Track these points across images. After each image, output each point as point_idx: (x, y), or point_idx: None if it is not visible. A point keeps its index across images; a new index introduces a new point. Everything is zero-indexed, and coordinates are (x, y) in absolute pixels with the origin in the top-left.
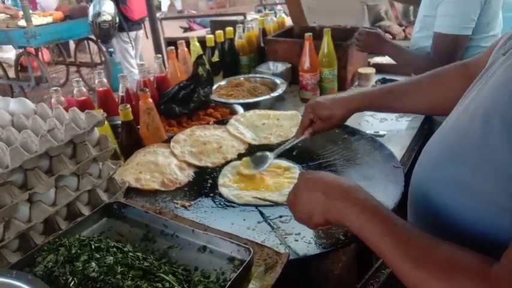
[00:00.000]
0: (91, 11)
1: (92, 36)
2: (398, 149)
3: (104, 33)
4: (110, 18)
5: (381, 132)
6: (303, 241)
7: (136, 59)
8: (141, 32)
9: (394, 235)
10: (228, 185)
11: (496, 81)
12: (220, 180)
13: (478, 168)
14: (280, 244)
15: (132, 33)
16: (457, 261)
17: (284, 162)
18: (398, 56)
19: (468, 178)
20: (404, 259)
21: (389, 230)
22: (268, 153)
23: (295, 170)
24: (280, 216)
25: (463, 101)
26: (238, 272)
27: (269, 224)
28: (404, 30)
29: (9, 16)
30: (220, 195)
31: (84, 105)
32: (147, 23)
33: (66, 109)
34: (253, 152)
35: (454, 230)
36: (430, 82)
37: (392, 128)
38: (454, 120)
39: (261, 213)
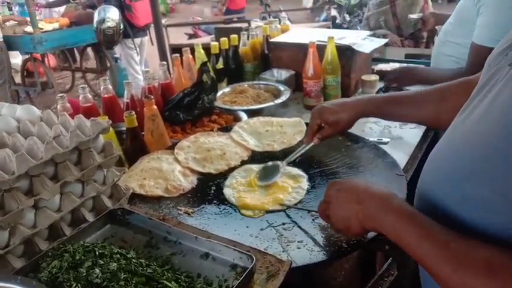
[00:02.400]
0: (96, 17)
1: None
2: (401, 157)
3: (109, 40)
4: (114, 24)
5: (384, 140)
6: (305, 249)
7: (141, 65)
8: (146, 39)
9: (431, 240)
10: (234, 186)
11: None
12: (227, 182)
13: (506, 185)
14: (283, 252)
15: (137, 40)
16: (498, 261)
17: (294, 170)
18: (429, 79)
19: (493, 196)
20: (444, 263)
21: (427, 235)
22: (279, 162)
23: (303, 179)
24: (283, 224)
25: (469, 110)
26: (241, 279)
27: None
28: (402, 42)
29: (16, 22)
30: (224, 201)
31: (89, 112)
32: (152, 29)
33: (72, 115)
34: (257, 159)
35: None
36: (438, 95)
37: (395, 136)
38: (464, 135)
39: (287, 213)
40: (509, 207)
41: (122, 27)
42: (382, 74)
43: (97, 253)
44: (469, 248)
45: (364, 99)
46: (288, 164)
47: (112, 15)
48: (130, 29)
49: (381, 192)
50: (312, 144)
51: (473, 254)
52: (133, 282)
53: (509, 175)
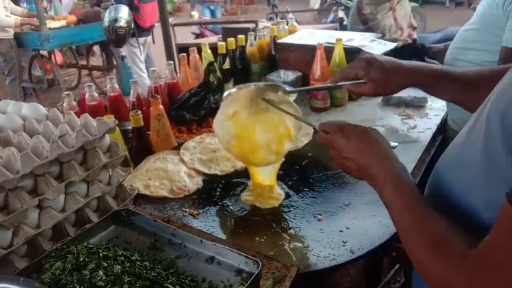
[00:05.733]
0: (107, 16)
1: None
2: (409, 161)
3: (120, 39)
4: (126, 24)
5: (392, 144)
6: (311, 254)
7: (143, 63)
8: (149, 38)
9: (411, 214)
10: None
11: (501, 85)
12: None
13: (480, 173)
14: (289, 257)
15: (141, 39)
16: (446, 240)
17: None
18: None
19: (470, 182)
20: (413, 235)
21: (409, 208)
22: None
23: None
24: (290, 228)
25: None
26: (246, 285)
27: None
28: None
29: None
30: (228, 204)
31: (96, 110)
32: (155, 30)
33: (79, 113)
34: None
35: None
36: (488, 80)
37: (403, 140)
38: (470, 125)
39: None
40: (487, 201)
41: (132, 26)
42: None
43: (101, 255)
44: (435, 224)
45: (421, 67)
46: (294, 166)
47: (124, 14)
48: (136, 29)
49: (381, 150)
50: (336, 85)
51: (432, 229)
52: (137, 285)
53: (484, 164)
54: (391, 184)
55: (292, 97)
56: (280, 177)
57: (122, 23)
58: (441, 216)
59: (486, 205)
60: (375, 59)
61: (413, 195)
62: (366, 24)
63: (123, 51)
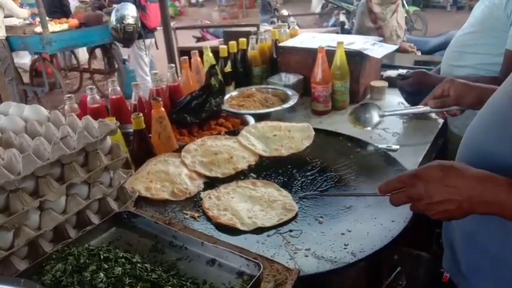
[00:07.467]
0: (113, 16)
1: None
2: (411, 164)
3: (128, 37)
4: (133, 21)
5: (394, 147)
6: (313, 257)
7: (148, 66)
8: (153, 40)
9: None
10: None
11: None
12: None
13: None
14: (290, 259)
15: (147, 41)
16: None
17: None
18: None
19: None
20: None
21: None
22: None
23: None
24: (291, 231)
25: None
26: (248, 287)
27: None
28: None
29: (27, 22)
30: None
31: (97, 112)
32: (157, 33)
33: (80, 116)
34: (264, 164)
35: None
36: None
37: (405, 143)
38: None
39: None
40: None
41: (139, 24)
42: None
43: (102, 257)
44: None
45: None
46: (298, 169)
47: (131, 12)
48: (142, 30)
49: (479, 175)
50: (425, 108)
51: None
52: (138, 287)
53: None
54: None
55: (294, 100)
56: (282, 180)
57: (130, 20)
58: None
59: None
60: (456, 78)
61: None
62: (376, 23)
63: (126, 54)
